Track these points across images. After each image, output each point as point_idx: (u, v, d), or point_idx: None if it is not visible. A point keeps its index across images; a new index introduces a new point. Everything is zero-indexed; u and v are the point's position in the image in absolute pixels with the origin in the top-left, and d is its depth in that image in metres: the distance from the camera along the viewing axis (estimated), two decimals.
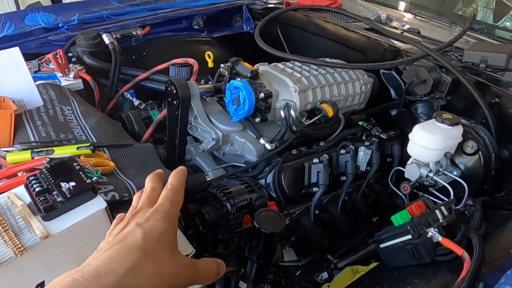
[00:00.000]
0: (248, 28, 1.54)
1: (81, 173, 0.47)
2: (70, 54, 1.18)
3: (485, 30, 1.28)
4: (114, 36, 1.22)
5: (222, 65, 0.98)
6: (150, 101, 1.16)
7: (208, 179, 0.88)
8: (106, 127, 0.85)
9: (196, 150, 0.97)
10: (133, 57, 1.31)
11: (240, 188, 0.81)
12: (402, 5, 1.70)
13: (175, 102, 0.91)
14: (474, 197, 0.84)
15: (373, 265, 0.88)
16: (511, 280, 0.45)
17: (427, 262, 0.65)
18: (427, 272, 0.65)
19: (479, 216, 0.71)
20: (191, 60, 1.12)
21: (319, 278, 0.88)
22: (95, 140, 0.77)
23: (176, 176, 0.49)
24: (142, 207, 0.44)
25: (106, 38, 1.18)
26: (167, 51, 1.35)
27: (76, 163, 0.49)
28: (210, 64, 1.21)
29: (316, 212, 0.93)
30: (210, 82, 1.13)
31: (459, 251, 0.60)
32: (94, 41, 1.18)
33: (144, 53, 1.33)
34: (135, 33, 1.29)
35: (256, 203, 0.80)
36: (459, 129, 0.79)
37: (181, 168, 0.51)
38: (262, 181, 0.88)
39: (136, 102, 1.13)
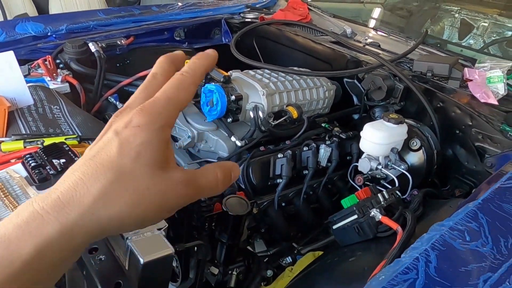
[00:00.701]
0: (227, 40, 1.65)
1: (70, 152, 0.56)
2: (57, 61, 1.26)
3: (438, 45, 1.42)
4: (99, 45, 1.31)
5: None
6: None
7: None
8: (91, 124, 0.93)
9: (174, 148, 1.07)
10: (117, 64, 1.40)
11: None
12: (375, 24, 1.85)
13: None
14: (420, 189, 0.96)
15: None
16: (423, 240, 0.56)
17: (370, 238, 0.75)
18: (370, 246, 0.75)
19: (418, 201, 0.82)
20: None
21: (284, 262, 0.97)
22: (80, 134, 0.86)
23: (195, 62, 0.36)
24: (131, 103, 0.35)
25: (92, 47, 1.28)
26: (150, 60, 1.42)
27: (66, 145, 0.58)
28: None
29: (283, 204, 1.03)
30: None
31: (394, 226, 0.71)
32: (81, 49, 1.27)
33: (127, 61, 1.42)
34: (119, 43, 1.39)
35: (226, 192, 0.90)
36: (403, 127, 0.91)
37: (210, 51, 0.38)
38: None
39: (120, 106, 1.22)
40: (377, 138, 0.88)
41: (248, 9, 1.71)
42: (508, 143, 0.95)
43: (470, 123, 1.01)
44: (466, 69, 1.08)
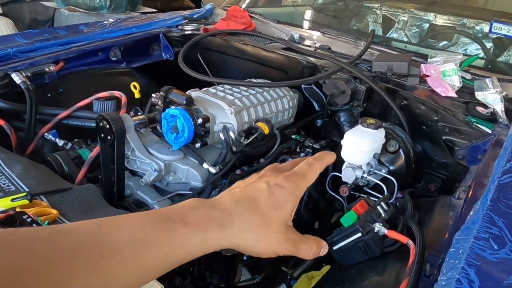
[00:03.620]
0: (167, 56, 1.54)
1: (34, 225, 0.44)
2: None
3: (383, 43, 1.45)
4: (24, 75, 1.13)
5: (153, 95, 0.97)
6: (75, 140, 1.09)
7: None
8: (35, 172, 0.78)
9: (136, 184, 0.94)
10: (49, 95, 1.23)
11: None
12: (309, 25, 1.85)
13: (109, 137, 0.87)
14: (401, 190, 0.95)
15: (326, 268, 0.93)
16: (455, 256, 0.52)
17: (377, 255, 0.71)
18: (378, 264, 0.71)
19: (411, 206, 0.80)
20: (117, 93, 1.09)
21: None
22: (26, 189, 0.71)
23: (324, 155, 0.51)
24: (282, 167, 0.48)
25: (16, 78, 1.09)
26: (86, 85, 1.29)
27: (26, 215, 0.45)
28: (137, 95, 1.18)
29: None
30: (139, 113, 1.10)
31: (404, 239, 0.67)
32: (2, 82, 1.08)
33: (60, 90, 1.25)
34: (48, 70, 1.21)
35: None
36: (382, 132, 0.89)
37: (332, 153, 0.53)
38: None
39: (61, 143, 1.05)
40: (361, 146, 0.84)
41: (186, 20, 1.61)
42: (474, 133, 0.97)
43: (436, 118, 1.03)
44: (422, 65, 1.10)
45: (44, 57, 1.23)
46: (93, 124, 1.05)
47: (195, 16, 1.67)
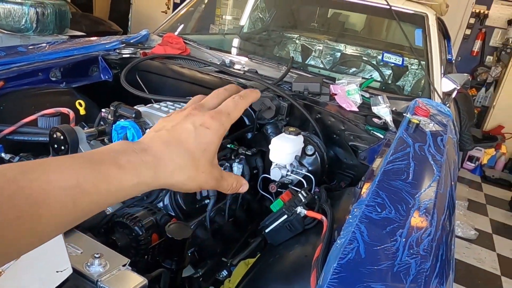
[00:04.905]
0: (106, 77, 1.63)
1: None
2: None
3: (301, 68, 1.70)
4: None
5: (103, 110, 1.08)
6: (21, 154, 1.14)
7: (108, 213, 0.96)
8: None
9: None
10: None
11: (144, 212, 0.93)
12: (237, 52, 2.06)
13: (63, 147, 0.96)
14: (318, 186, 1.16)
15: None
16: (353, 217, 0.72)
17: (300, 232, 0.89)
18: (301, 238, 0.89)
19: (325, 195, 1.01)
20: (64, 109, 1.17)
21: (220, 276, 1.04)
22: None
23: (248, 92, 0.50)
24: (206, 103, 0.47)
25: None
26: (27, 103, 1.34)
27: None
28: (82, 112, 1.27)
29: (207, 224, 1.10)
30: (85, 128, 1.19)
31: (319, 216, 0.86)
32: None
33: (1, 108, 1.28)
34: None
35: (161, 221, 0.93)
36: (301, 138, 1.10)
37: (257, 91, 0.52)
38: (160, 205, 1.00)
39: (7, 157, 1.10)
40: (284, 149, 1.04)
41: (123, 45, 1.73)
42: (372, 139, 1.23)
43: (343, 128, 1.27)
44: (331, 86, 1.35)
45: None
46: (41, 138, 1.13)
47: (132, 41, 1.79)
